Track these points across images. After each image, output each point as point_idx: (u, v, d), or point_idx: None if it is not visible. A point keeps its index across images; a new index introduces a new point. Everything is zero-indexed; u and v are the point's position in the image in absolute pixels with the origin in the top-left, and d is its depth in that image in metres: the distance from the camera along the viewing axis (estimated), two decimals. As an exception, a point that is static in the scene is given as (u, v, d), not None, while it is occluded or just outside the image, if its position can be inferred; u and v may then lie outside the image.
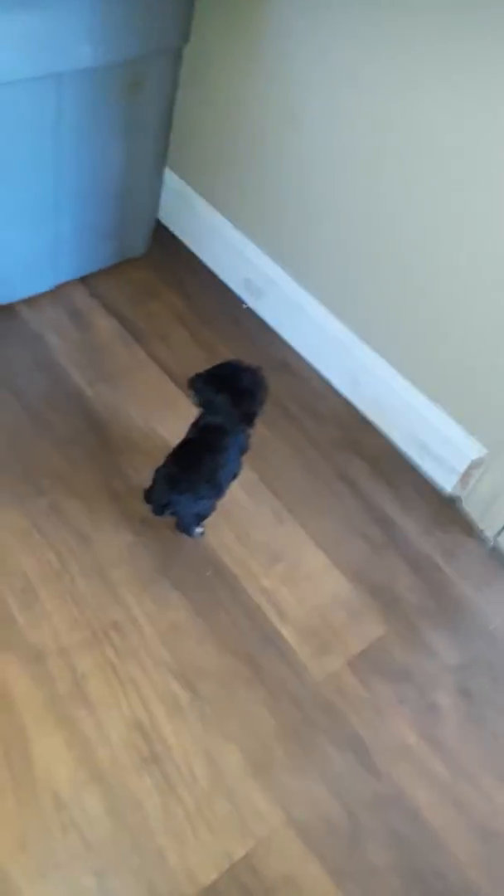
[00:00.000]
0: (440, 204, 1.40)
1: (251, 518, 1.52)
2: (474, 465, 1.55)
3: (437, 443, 1.59)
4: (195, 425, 1.39)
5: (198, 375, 1.35)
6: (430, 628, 1.43)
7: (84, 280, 1.84)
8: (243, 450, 1.41)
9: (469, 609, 1.47)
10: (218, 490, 1.38)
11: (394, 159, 1.43)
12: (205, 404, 1.35)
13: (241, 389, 1.33)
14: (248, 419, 1.34)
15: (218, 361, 1.40)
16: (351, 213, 1.57)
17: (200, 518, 1.41)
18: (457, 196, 1.36)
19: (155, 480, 1.36)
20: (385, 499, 1.60)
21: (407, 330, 1.58)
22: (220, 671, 1.30)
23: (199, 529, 1.46)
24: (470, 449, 1.54)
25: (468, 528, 1.59)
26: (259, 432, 1.61)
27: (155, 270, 1.92)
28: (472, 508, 1.60)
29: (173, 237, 2.00)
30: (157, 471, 1.36)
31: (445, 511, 1.61)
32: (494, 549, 1.56)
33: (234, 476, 1.44)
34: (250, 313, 1.87)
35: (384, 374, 1.64)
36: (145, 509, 1.42)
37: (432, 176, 1.38)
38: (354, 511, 1.57)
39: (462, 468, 1.56)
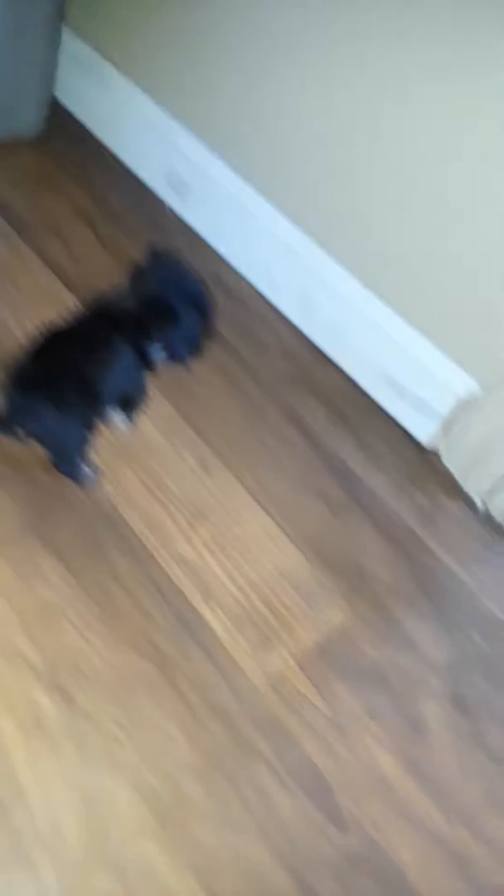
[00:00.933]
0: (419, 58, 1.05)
1: (167, 464, 1.11)
2: (461, 407, 1.21)
3: (414, 378, 1.23)
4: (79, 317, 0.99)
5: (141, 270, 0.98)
6: (409, 614, 1.05)
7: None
8: (146, 365, 1.01)
9: (457, 588, 1.11)
10: (96, 406, 0.97)
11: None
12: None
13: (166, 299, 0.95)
14: (152, 332, 0.96)
15: (133, 268, 1.02)
16: (308, 79, 1.19)
17: (77, 449, 0.99)
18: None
19: (4, 384, 0.94)
20: (346, 448, 1.23)
21: (379, 230, 1.21)
22: (112, 673, 0.88)
23: (86, 470, 1.04)
24: (457, 385, 1.19)
25: (450, 488, 1.23)
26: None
27: (52, 158, 1.49)
28: (454, 463, 1.25)
29: (76, 121, 1.56)
30: (7, 369, 0.94)
31: (421, 467, 1.24)
32: (483, 515, 1.23)
33: (131, 401, 1.04)
34: (174, 217, 1.49)
35: (346, 288, 1.26)
36: (11, 443, 1.01)
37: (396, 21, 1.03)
38: (307, 461, 1.18)
39: (445, 410, 1.22)
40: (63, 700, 0.85)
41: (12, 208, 1.37)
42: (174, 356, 0.98)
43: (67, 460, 1.01)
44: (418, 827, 0.86)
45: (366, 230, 1.23)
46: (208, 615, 0.97)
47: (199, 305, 1.00)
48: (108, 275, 1.17)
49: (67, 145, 1.53)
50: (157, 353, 0.97)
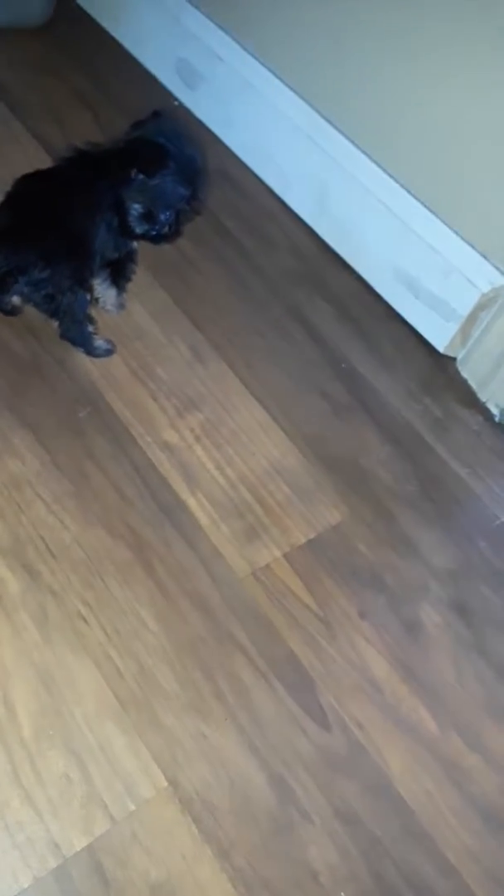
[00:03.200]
0: None
1: (157, 351, 1.03)
2: (483, 305, 1.11)
3: (435, 274, 1.12)
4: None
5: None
6: (411, 519, 0.97)
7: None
8: (116, 230, 0.91)
9: (466, 499, 1.02)
10: (85, 260, 0.88)
11: None
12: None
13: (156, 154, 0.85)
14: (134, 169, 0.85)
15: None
16: None
17: (81, 310, 0.89)
18: None
19: None
20: (353, 350, 1.14)
21: (402, 111, 1.09)
22: (81, 553, 0.81)
23: (101, 341, 0.95)
24: (481, 279, 1.09)
25: (465, 397, 1.14)
26: (180, 247, 1.12)
27: (57, 45, 1.39)
28: (471, 372, 1.15)
29: (83, 11, 1.46)
30: None
31: (435, 374, 1.15)
32: (500, 425, 1.14)
33: (120, 268, 0.95)
34: (181, 108, 1.38)
35: (367, 177, 1.14)
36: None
37: None
38: (310, 359, 1.08)
39: (465, 310, 1.12)
40: (27, 574, 0.78)
41: (11, 90, 1.28)
42: (152, 222, 0.88)
43: (74, 322, 0.91)
44: (407, 732, 0.79)
45: (389, 112, 1.12)
46: (192, 503, 0.89)
47: (192, 172, 0.90)
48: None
49: (73, 34, 1.43)
50: (135, 210, 0.87)
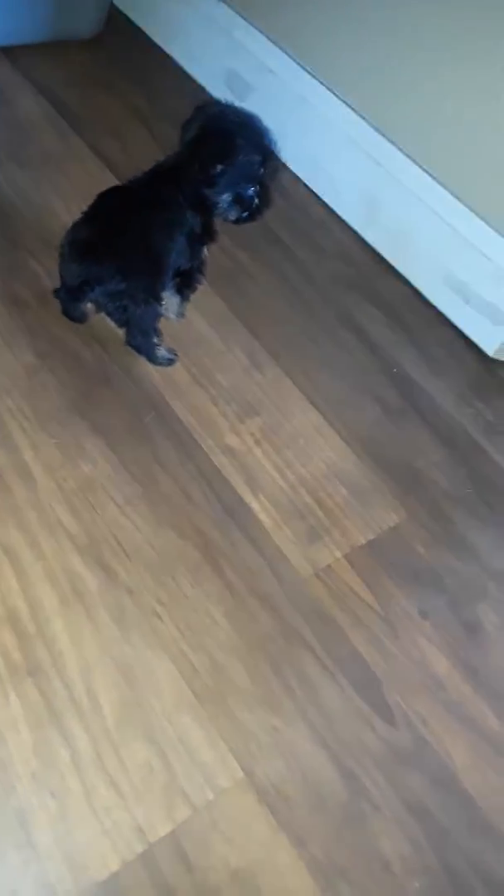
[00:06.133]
0: None
1: (216, 358, 1.06)
2: (532, 311, 1.13)
3: (486, 280, 1.14)
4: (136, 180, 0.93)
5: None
6: (468, 521, 0.99)
7: (6, 52, 1.35)
8: (195, 235, 0.93)
9: (519, 501, 1.06)
10: (160, 275, 0.91)
11: None
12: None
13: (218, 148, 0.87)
14: (208, 163, 0.87)
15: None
16: None
17: (152, 321, 0.93)
18: None
19: (62, 254, 0.89)
20: (404, 355, 1.17)
21: (453, 120, 1.11)
22: (153, 553, 0.84)
23: (164, 351, 0.98)
24: (530, 284, 1.12)
25: (516, 401, 1.17)
26: (235, 257, 1.17)
27: (108, 59, 1.44)
28: (521, 376, 1.18)
29: (133, 24, 1.51)
30: (65, 237, 0.90)
31: (486, 377, 1.17)
32: (552, 430, 1.15)
33: (188, 278, 0.97)
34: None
35: (417, 185, 1.17)
36: (61, 323, 0.98)
37: None
38: (363, 365, 1.11)
39: (515, 315, 1.14)
40: (104, 573, 0.82)
41: (68, 105, 1.33)
42: (242, 204, 0.90)
43: (143, 333, 0.95)
44: (471, 728, 0.81)
45: (438, 120, 1.14)
46: (255, 505, 0.92)
47: (258, 138, 0.91)
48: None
49: (123, 47, 1.48)
50: (224, 201, 0.90)
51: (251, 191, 0.89)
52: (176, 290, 0.98)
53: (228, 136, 0.86)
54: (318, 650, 0.83)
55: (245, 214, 0.91)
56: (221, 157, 0.86)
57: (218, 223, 1.00)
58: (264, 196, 0.92)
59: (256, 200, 0.90)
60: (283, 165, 1.35)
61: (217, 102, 0.94)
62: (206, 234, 0.92)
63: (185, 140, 0.89)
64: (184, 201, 0.88)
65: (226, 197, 0.90)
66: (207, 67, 1.43)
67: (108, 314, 0.92)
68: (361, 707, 0.79)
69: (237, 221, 0.93)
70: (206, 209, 0.90)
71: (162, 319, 1.06)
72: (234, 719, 0.76)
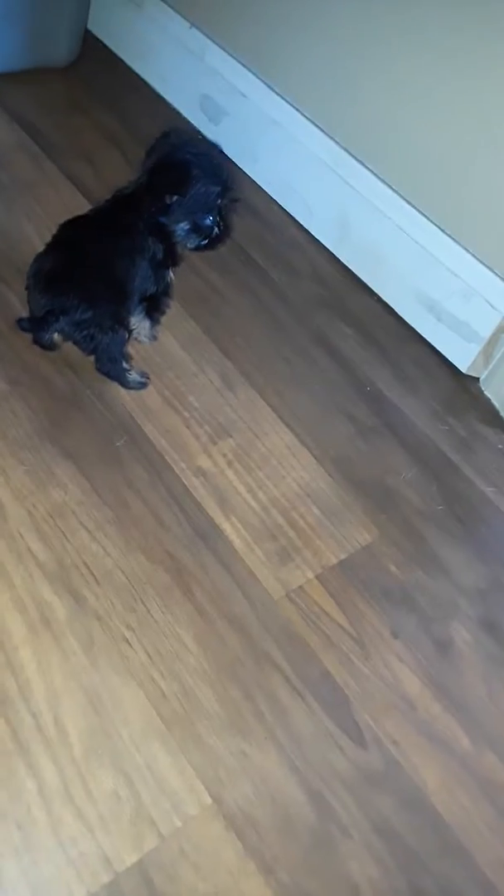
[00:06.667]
0: None
1: (188, 380, 1.06)
2: None
3: (455, 297, 1.16)
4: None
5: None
6: (440, 538, 0.99)
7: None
8: (158, 261, 0.94)
9: (493, 517, 1.04)
10: (125, 302, 0.92)
11: None
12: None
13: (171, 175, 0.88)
14: (164, 194, 0.88)
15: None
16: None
17: (119, 347, 0.94)
18: None
19: (27, 286, 0.90)
20: (377, 373, 1.17)
21: (421, 140, 1.13)
22: (123, 578, 0.84)
23: (135, 375, 0.99)
24: (501, 302, 1.10)
25: (489, 417, 1.16)
26: (208, 279, 1.18)
27: (83, 85, 1.46)
28: (494, 391, 1.18)
29: (108, 50, 1.53)
30: (29, 269, 0.91)
31: (458, 394, 1.18)
32: (525, 444, 1.16)
33: (156, 302, 0.98)
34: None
35: (387, 205, 1.19)
36: (32, 350, 0.98)
37: None
38: (335, 383, 1.12)
39: (487, 332, 1.14)
40: (73, 600, 0.82)
41: (42, 131, 1.34)
42: (200, 232, 0.92)
43: (111, 360, 0.96)
44: (442, 749, 0.81)
45: (407, 141, 1.16)
46: (226, 527, 0.93)
47: (215, 169, 0.92)
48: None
49: (99, 73, 1.50)
50: (181, 230, 0.91)
51: (209, 220, 0.91)
52: (145, 314, 0.99)
53: (183, 168, 0.87)
54: (289, 672, 0.83)
55: (204, 242, 0.93)
56: (175, 188, 0.87)
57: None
58: (224, 224, 0.94)
59: (216, 229, 0.91)
60: (257, 187, 1.37)
61: (180, 132, 0.96)
62: (170, 259, 0.93)
63: (144, 169, 0.90)
64: (144, 228, 0.89)
65: (183, 226, 0.91)
66: (181, 92, 1.45)
67: (75, 343, 0.92)
68: (331, 729, 0.79)
69: (197, 249, 0.94)
70: (166, 236, 0.91)
71: (134, 342, 1.08)
72: (202, 745, 0.76)
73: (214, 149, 0.96)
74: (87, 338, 0.89)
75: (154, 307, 0.99)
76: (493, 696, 0.86)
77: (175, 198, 0.88)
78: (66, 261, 0.88)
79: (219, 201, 0.90)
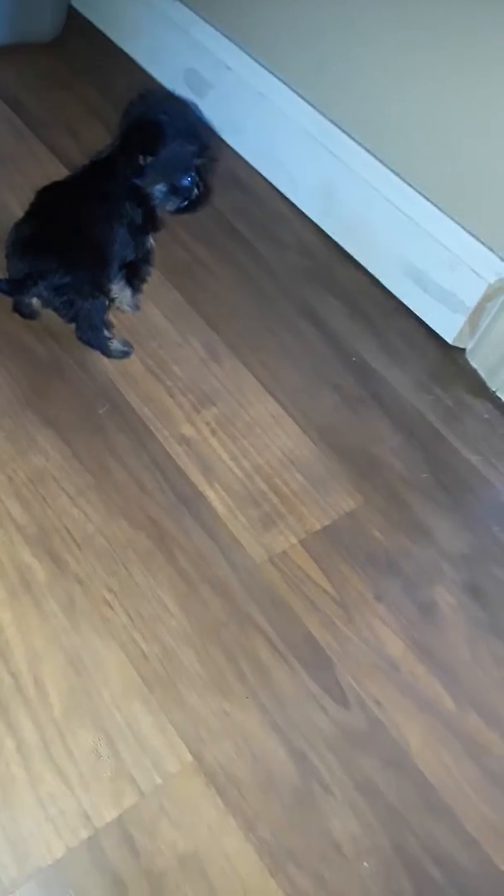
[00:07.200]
0: None
1: (172, 349, 1.05)
2: (490, 296, 1.13)
3: (442, 267, 1.15)
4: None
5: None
6: (425, 506, 0.99)
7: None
8: (137, 226, 0.93)
9: (478, 485, 1.04)
10: (104, 267, 0.91)
11: None
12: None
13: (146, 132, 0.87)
14: (140, 153, 0.87)
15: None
16: None
17: (99, 314, 0.93)
18: None
19: (8, 255, 0.89)
20: (364, 344, 1.17)
21: (406, 109, 1.12)
22: (105, 542, 0.84)
23: (117, 343, 0.98)
24: (487, 270, 1.11)
25: (475, 387, 1.16)
26: (193, 251, 1.17)
27: (67, 60, 1.45)
28: (481, 361, 1.17)
29: (92, 25, 1.52)
30: (8, 237, 0.90)
31: (445, 365, 1.17)
32: (511, 414, 1.15)
33: (136, 270, 0.97)
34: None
35: (372, 175, 1.18)
36: (13, 320, 0.97)
37: None
38: (321, 354, 1.11)
39: (473, 302, 1.14)
40: (53, 564, 0.82)
41: (25, 105, 1.33)
42: (178, 194, 0.90)
43: (92, 328, 0.95)
44: (426, 709, 0.81)
45: (392, 110, 1.15)
46: (209, 493, 0.92)
47: (191, 129, 0.91)
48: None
49: (83, 47, 1.49)
50: (159, 192, 0.90)
51: (186, 181, 0.89)
52: (126, 282, 0.98)
53: (155, 127, 0.86)
54: (272, 635, 0.82)
55: (184, 204, 0.92)
56: (148, 148, 0.86)
57: (168, 215, 1.01)
58: (204, 185, 0.92)
59: (195, 190, 0.90)
60: (242, 160, 1.36)
61: (156, 93, 0.95)
62: (150, 225, 0.92)
63: (119, 131, 0.89)
64: (121, 192, 0.88)
65: (160, 187, 0.90)
66: (166, 66, 1.43)
67: (55, 310, 0.92)
68: (314, 690, 0.79)
69: (177, 212, 0.93)
70: (144, 200, 0.90)
71: (117, 312, 1.07)
72: (183, 705, 0.75)
73: (189, 108, 0.94)
74: (67, 304, 0.88)
75: (134, 274, 0.98)
76: (476, 658, 0.86)
77: (149, 158, 0.87)
78: (43, 227, 0.87)
79: (196, 161, 0.89)
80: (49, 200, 0.89)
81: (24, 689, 0.73)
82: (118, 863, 0.66)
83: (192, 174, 0.90)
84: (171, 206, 0.92)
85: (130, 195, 0.89)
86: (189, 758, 0.72)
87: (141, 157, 0.87)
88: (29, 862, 0.65)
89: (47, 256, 0.86)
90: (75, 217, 0.88)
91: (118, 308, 1.05)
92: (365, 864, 0.69)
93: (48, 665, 0.75)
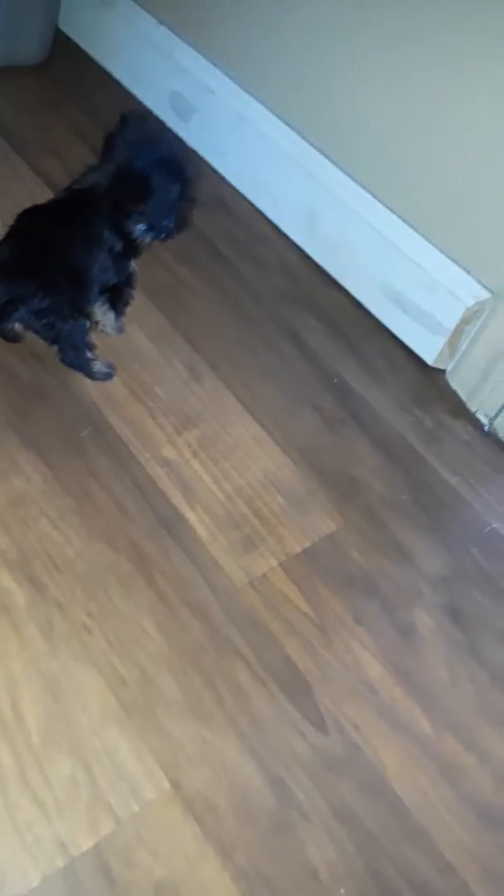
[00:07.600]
0: None
1: (154, 371, 1.06)
2: (468, 319, 1.14)
3: (421, 290, 1.16)
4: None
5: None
6: (404, 527, 1.00)
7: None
8: (130, 245, 0.94)
9: (457, 507, 1.05)
10: (83, 291, 0.92)
11: None
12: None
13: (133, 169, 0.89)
14: (127, 207, 0.89)
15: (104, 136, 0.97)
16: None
17: (81, 337, 0.94)
18: None
19: None
20: (345, 365, 1.17)
21: (385, 136, 1.14)
22: (85, 566, 0.84)
23: (100, 365, 0.99)
24: (465, 293, 1.13)
25: (455, 408, 1.17)
26: (176, 273, 1.18)
27: (53, 83, 1.46)
28: (460, 383, 1.19)
29: (79, 48, 1.53)
30: None
31: (425, 386, 1.18)
32: (490, 435, 1.16)
33: (118, 293, 0.98)
34: (176, 139, 1.45)
35: (353, 199, 1.19)
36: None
37: None
38: (302, 375, 1.12)
39: (452, 324, 1.15)
40: (33, 588, 0.82)
41: (11, 128, 1.34)
42: (157, 230, 0.92)
43: (74, 349, 0.96)
44: (404, 733, 0.81)
45: (373, 136, 1.17)
46: (190, 516, 0.93)
47: (175, 171, 0.92)
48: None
49: (69, 70, 1.50)
50: (139, 230, 0.92)
51: (168, 220, 0.91)
52: (109, 305, 0.99)
53: (145, 179, 0.87)
54: (251, 659, 0.83)
55: (162, 236, 0.93)
56: (137, 201, 0.88)
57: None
58: (183, 218, 0.94)
59: (174, 225, 0.92)
60: (226, 182, 1.37)
61: (137, 119, 0.96)
62: (130, 252, 0.93)
63: (103, 172, 0.90)
64: (101, 221, 0.89)
65: (140, 227, 0.91)
66: (151, 89, 1.45)
67: (37, 332, 0.92)
68: (292, 714, 0.79)
69: (155, 239, 0.94)
70: (124, 234, 0.92)
71: (101, 335, 1.08)
72: (161, 731, 0.75)
73: (173, 145, 0.96)
74: (48, 326, 0.89)
75: (117, 298, 0.99)
76: (455, 681, 0.87)
77: (137, 207, 0.89)
78: (22, 250, 0.88)
79: (177, 199, 0.90)
80: (28, 223, 0.90)
81: (2, 715, 0.73)
82: (95, 891, 0.66)
83: (173, 214, 0.92)
84: (147, 239, 0.94)
85: (110, 224, 0.90)
86: (167, 785, 0.72)
87: (129, 206, 0.89)
88: (5, 891, 0.65)
89: (26, 280, 0.87)
90: (54, 241, 0.89)
91: (102, 331, 1.06)
92: (342, 890, 0.70)
93: (26, 690, 0.75)
